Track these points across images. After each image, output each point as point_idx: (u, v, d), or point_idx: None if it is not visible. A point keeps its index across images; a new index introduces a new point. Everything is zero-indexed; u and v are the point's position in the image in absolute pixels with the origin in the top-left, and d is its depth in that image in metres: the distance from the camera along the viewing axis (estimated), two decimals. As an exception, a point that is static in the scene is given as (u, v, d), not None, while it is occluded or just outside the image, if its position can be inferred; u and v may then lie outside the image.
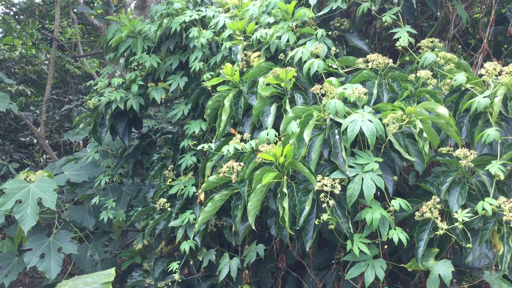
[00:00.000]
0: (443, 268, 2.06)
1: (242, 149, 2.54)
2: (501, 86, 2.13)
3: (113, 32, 3.66)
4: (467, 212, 1.98)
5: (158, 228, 3.17)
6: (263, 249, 2.78)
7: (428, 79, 2.36)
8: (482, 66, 2.51)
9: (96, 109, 3.64)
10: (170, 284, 3.05)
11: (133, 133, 4.04)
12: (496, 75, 2.20)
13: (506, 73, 2.13)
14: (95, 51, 7.90)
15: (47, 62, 7.59)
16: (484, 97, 2.15)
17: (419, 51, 2.66)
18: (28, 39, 7.33)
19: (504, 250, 1.97)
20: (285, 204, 2.13)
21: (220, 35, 3.16)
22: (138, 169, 3.92)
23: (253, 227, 2.34)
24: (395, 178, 2.14)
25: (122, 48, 3.53)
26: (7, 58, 6.80)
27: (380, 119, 2.07)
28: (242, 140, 2.62)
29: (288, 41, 2.74)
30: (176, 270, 2.97)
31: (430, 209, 2.05)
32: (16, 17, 7.69)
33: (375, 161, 2.07)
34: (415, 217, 2.08)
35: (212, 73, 3.13)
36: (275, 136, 2.41)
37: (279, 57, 2.80)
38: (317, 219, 2.13)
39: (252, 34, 2.98)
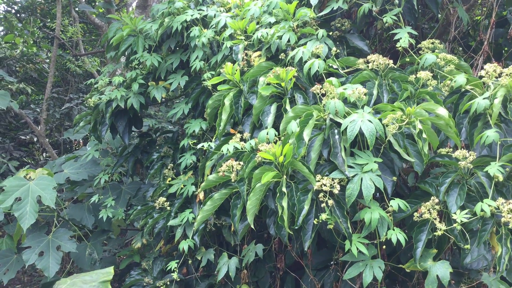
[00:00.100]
0: (441, 269, 2.05)
1: (242, 148, 2.54)
2: (501, 88, 2.13)
3: (114, 30, 3.66)
4: (466, 213, 1.98)
5: (157, 227, 3.17)
6: (262, 249, 2.78)
7: (428, 80, 2.36)
8: (482, 68, 2.51)
9: (97, 108, 3.64)
10: (168, 283, 3.05)
11: (133, 132, 4.04)
12: (496, 77, 2.20)
13: (506, 75, 2.13)
14: (96, 50, 7.92)
15: (48, 60, 7.61)
16: (483, 98, 2.15)
17: (419, 52, 2.65)
18: (29, 37, 7.34)
19: (502, 252, 1.97)
20: (284, 203, 2.13)
21: (221, 34, 3.16)
22: (138, 168, 3.92)
23: (252, 226, 2.34)
24: (394, 178, 2.14)
25: (123, 47, 3.53)
26: (8, 56, 6.80)
27: (380, 119, 2.07)
28: (242, 139, 2.62)
29: (289, 41, 2.75)
30: (175, 269, 2.97)
31: (428, 210, 2.05)
32: (18, 15, 7.70)
33: (375, 162, 2.07)
34: (414, 217, 2.08)
35: (213, 72, 3.13)
36: (275, 135, 2.41)
37: (280, 57, 2.80)
38: (316, 219, 2.13)
39: (253, 33, 2.98)
